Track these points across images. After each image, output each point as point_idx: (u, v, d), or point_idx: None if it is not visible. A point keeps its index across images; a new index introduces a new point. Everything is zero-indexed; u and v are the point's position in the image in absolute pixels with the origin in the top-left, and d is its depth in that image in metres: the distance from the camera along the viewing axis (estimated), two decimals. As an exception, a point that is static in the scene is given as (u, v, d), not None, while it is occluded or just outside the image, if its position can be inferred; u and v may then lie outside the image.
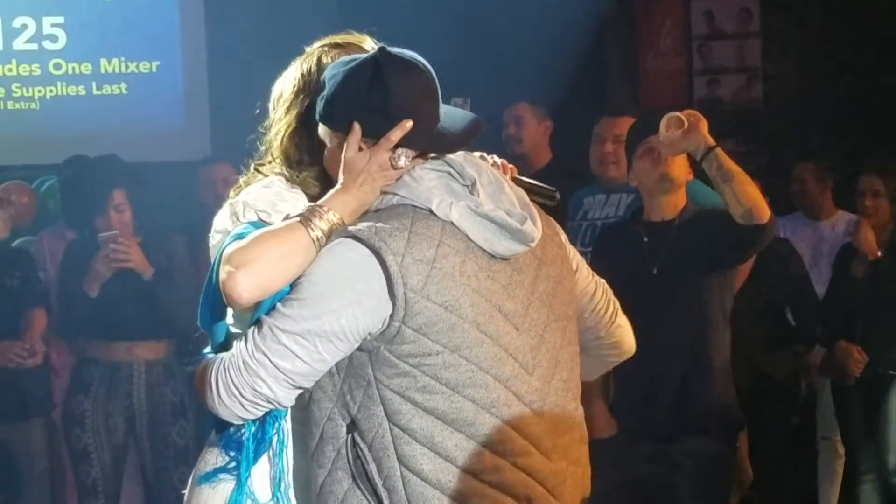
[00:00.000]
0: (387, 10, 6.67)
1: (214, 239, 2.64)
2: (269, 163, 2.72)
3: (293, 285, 2.37)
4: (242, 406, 2.36)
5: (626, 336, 2.94)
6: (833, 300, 6.02)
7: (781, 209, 6.53)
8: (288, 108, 2.68)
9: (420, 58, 2.48)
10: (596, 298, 2.84)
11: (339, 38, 2.75)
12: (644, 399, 4.55)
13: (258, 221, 2.52)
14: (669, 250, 4.49)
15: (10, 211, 5.96)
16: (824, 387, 6.34)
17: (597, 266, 4.67)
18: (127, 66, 8.55)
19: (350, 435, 2.37)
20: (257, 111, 2.77)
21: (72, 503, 6.18)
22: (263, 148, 2.77)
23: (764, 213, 4.29)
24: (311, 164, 2.66)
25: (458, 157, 2.47)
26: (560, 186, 3.07)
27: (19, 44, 8.43)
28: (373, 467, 2.36)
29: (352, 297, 2.32)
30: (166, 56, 8.57)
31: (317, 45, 2.75)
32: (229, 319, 2.58)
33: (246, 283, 2.34)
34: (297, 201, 2.60)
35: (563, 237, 2.75)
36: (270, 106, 2.75)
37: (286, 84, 2.71)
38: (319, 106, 2.48)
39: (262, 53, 7.50)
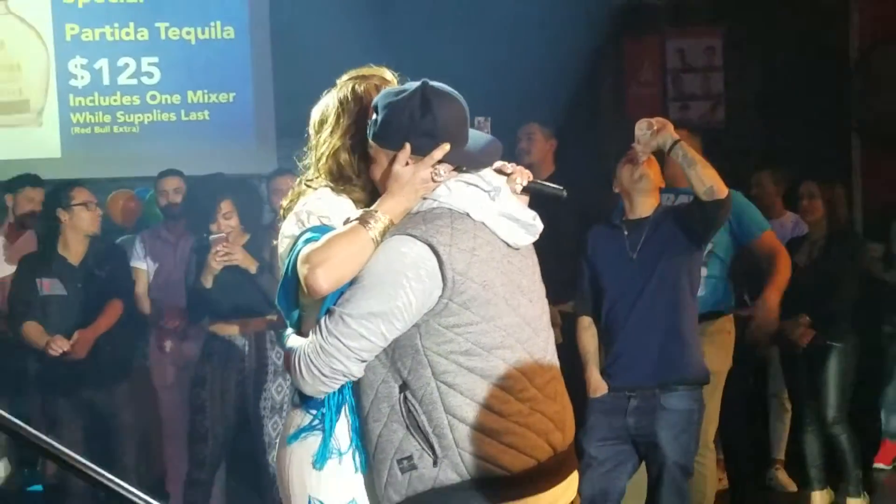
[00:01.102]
0: (424, 44, 6.68)
1: (283, 243, 2.65)
2: (317, 177, 2.71)
3: (355, 277, 2.41)
4: (323, 382, 2.42)
5: None
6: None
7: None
8: (332, 132, 2.67)
9: (454, 91, 2.54)
10: None
11: (364, 71, 2.75)
12: (629, 363, 4.54)
13: (321, 225, 2.54)
14: (645, 241, 4.50)
15: (100, 212, 5.82)
16: (774, 354, 6.35)
17: (590, 255, 4.73)
18: (209, 97, 8.54)
19: (402, 394, 2.42)
20: (307, 135, 2.76)
21: (172, 455, 6.16)
22: (308, 164, 2.77)
23: (722, 189, 4.32)
24: (357, 175, 2.65)
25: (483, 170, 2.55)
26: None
27: (123, 79, 8.43)
28: (424, 419, 2.41)
29: (405, 284, 2.38)
30: (240, 89, 8.56)
31: (345, 77, 2.75)
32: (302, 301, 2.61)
33: (325, 277, 2.40)
34: (347, 207, 2.61)
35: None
36: (312, 130, 2.76)
37: (326, 111, 2.72)
38: (373, 128, 2.52)
39: (320, 85, 7.56)
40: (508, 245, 2.54)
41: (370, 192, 2.63)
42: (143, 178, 7.20)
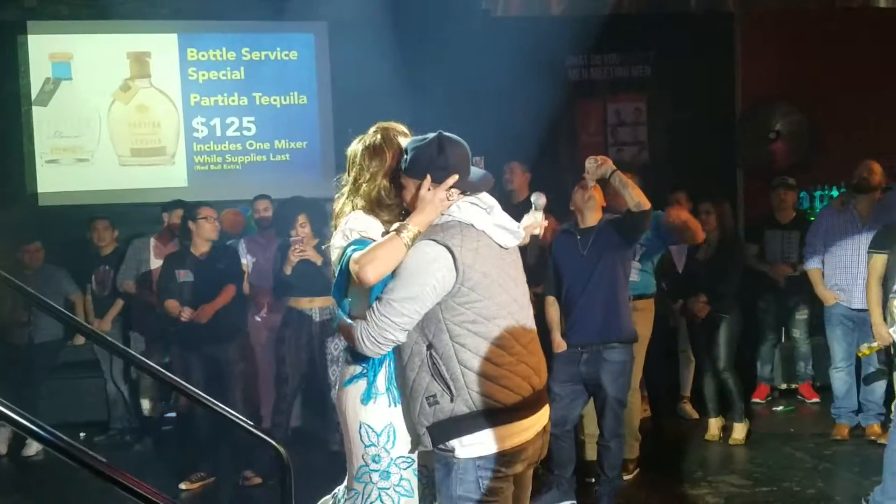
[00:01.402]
0: (442, 103, 6.69)
1: (334, 252, 2.64)
2: (352, 201, 2.68)
3: (395, 273, 2.45)
4: (379, 347, 2.47)
5: None
6: (686, 273, 6.00)
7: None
8: (369, 168, 2.64)
9: (460, 138, 2.58)
10: None
11: (385, 125, 2.72)
12: (581, 328, 4.55)
13: (361, 238, 2.56)
14: (592, 243, 4.51)
15: (221, 224, 5.84)
16: (681, 321, 6.35)
17: (554, 253, 4.74)
18: (289, 144, 8.53)
19: (429, 352, 2.47)
20: (335, 180, 2.77)
21: (264, 392, 6.16)
22: (345, 191, 2.72)
23: (646, 203, 4.35)
24: (391, 199, 2.64)
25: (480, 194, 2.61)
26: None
27: (230, 132, 8.44)
28: (444, 369, 2.46)
29: (431, 275, 2.43)
30: (311, 138, 8.55)
31: (372, 129, 2.72)
32: (351, 295, 2.60)
33: (372, 272, 2.41)
34: (377, 225, 2.62)
35: None
36: (347, 164, 2.72)
37: (358, 152, 2.67)
38: (405, 164, 2.56)
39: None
40: (501, 246, 2.58)
41: (398, 214, 2.62)
42: (243, 200, 7.22)
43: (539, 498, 4.43)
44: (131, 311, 6.70)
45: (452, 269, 2.44)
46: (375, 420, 2.58)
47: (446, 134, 2.56)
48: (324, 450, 5.73)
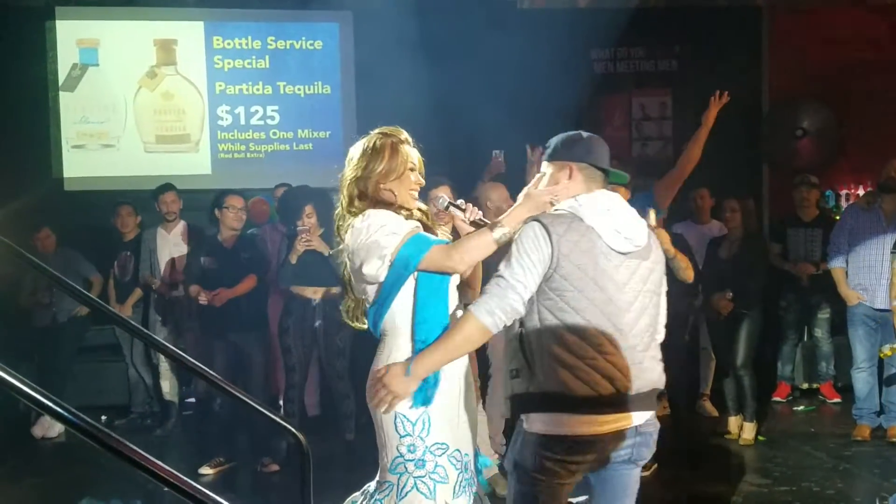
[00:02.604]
0: (466, 100, 6.68)
1: (364, 253, 2.62)
2: (354, 200, 2.72)
3: (509, 254, 2.49)
4: (503, 321, 2.48)
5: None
6: (708, 270, 5.94)
7: (678, 219, 6.54)
8: (354, 168, 2.72)
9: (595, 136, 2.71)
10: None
11: (386, 129, 2.76)
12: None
13: (420, 234, 2.64)
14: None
15: (244, 215, 5.76)
16: (703, 319, 6.32)
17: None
18: (312, 134, 8.54)
19: (520, 329, 2.54)
20: (340, 173, 2.77)
21: (279, 379, 6.15)
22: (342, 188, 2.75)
23: (691, 278, 4.55)
24: (363, 199, 2.69)
25: (598, 194, 2.61)
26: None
27: (253, 121, 8.46)
28: (529, 347, 2.51)
29: (534, 252, 2.47)
30: (334, 128, 8.54)
31: (374, 132, 2.75)
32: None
33: (463, 261, 2.59)
34: (394, 216, 2.67)
35: (660, 251, 2.73)
36: (346, 163, 2.76)
37: (356, 153, 2.74)
38: (552, 151, 2.70)
39: (390, 124, 7.58)
40: (612, 248, 2.53)
41: (389, 206, 2.69)
42: (265, 189, 7.23)
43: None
44: (151, 299, 6.73)
45: (548, 253, 2.48)
46: (411, 410, 2.55)
47: (594, 136, 2.69)
48: (340, 439, 5.75)
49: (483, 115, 6.62)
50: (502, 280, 2.47)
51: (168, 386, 6.67)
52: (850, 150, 8.14)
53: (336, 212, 2.76)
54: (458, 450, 2.64)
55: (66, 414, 1.68)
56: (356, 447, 5.67)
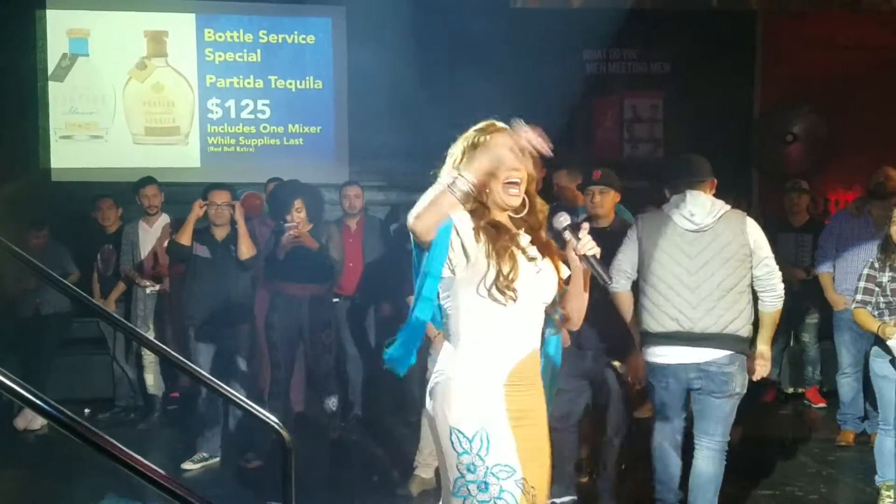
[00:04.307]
0: (455, 95, 6.67)
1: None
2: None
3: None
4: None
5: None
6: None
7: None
8: (448, 165, 2.45)
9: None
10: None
11: (481, 124, 2.53)
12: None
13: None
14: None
15: (230, 210, 5.58)
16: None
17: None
18: (303, 129, 8.54)
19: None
20: (432, 172, 2.45)
21: (265, 374, 6.12)
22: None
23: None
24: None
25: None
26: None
27: (244, 114, 8.47)
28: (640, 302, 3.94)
29: (631, 237, 3.92)
30: (325, 123, 8.55)
31: (471, 130, 2.51)
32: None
33: (412, 218, 2.28)
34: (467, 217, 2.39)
35: (750, 233, 3.77)
36: (450, 160, 2.48)
37: (456, 150, 2.47)
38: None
39: (382, 122, 7.59)
40: (685, 228, 3.76)
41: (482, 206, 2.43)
42: (255, 183, 7.21)
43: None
44: (134, 293, 6.68)
45: (635, 234, 3.87)
46: (466, 424, 2.32)
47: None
48: (325, 436, 5.75)
49: (473, 111, 6.61)
50: (615, 269, 3.86)
51: (152, 380, 6.63)
52: (840, 155, 8.18)
53: None
54: (526, 478, 2.33)
55: (45, 406, 1.67)
56: (341, 445, 5.68)
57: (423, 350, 5.60)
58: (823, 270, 5.99)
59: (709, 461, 3.85)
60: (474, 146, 2.44)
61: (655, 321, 3.76)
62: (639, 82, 8.69)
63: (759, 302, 3.83)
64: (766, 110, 8.59)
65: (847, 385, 5.88)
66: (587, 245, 2.42)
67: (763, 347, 3.88)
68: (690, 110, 8.45)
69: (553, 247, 2.52)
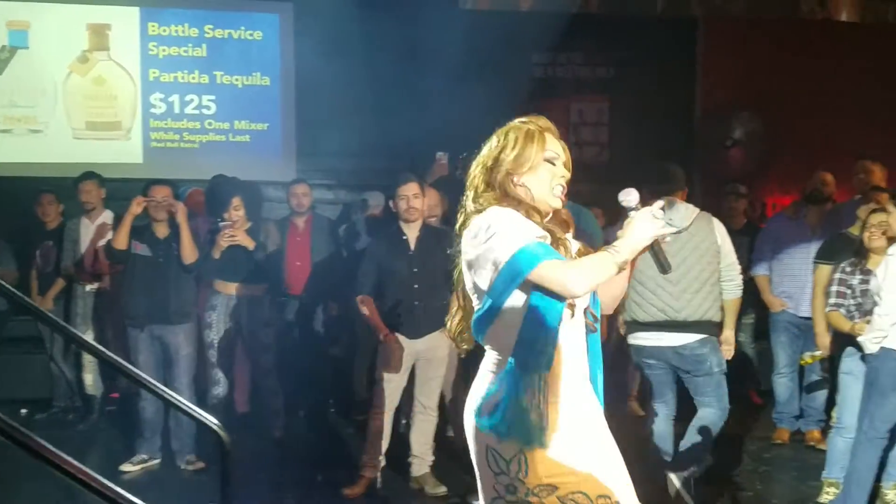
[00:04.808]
0: (407, 94, 6.66)
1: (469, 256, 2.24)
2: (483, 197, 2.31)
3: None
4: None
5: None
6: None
7: (614, 220, 6.61)
8: (484, 157, 2.36)
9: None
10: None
11: (524, 118, 2.44)
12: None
13: (540, 241, 2.17)
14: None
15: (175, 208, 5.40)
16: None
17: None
18: (250, 126, 8.45)
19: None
20: (458, 170, 2.33)
21: (202, 374, 6.11)
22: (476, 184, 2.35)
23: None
24: (490, 190, 2.31)
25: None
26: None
27: (189, 110, 8.35)
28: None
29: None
30: (272, 120, 8.47)
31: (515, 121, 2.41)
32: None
33: (583, 284, 2.11)
34: (523, 220, 2.23)
35: (718, 232, 4.42)
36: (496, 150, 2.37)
37: (489, 143, 2.39)
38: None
39: (331, 120, 7.55)
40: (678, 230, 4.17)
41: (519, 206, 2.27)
42: (200, 180, 7.07)
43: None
44: (73, 290, 6.53)
45: None
46: (503, 446, 2.14)
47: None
48: (268, 436, 5.71)
49: (423, 114, 6.63)
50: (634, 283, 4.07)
51: (91, 380, 6.48)
52: (778, 160, 8.37)
53: (459, 208, 2.36)
54: (583, 493, 2.17)
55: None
56: (284, 444, 5.64)
57: (368, 347, 5.63)
58: (760, 273, 6.10)
59: (708, 412, 4.47)
60: (507, 136, 2.35)
61: (644, 312, 4.33)
62: (585, 86, 8.79)
63: (724, 291, 4.40)
64: (706, 115, 8.76)
65: (783, 384, 6.01)
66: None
67: (728, 333, 4.48)
68: (635, 114, 8.58)
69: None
